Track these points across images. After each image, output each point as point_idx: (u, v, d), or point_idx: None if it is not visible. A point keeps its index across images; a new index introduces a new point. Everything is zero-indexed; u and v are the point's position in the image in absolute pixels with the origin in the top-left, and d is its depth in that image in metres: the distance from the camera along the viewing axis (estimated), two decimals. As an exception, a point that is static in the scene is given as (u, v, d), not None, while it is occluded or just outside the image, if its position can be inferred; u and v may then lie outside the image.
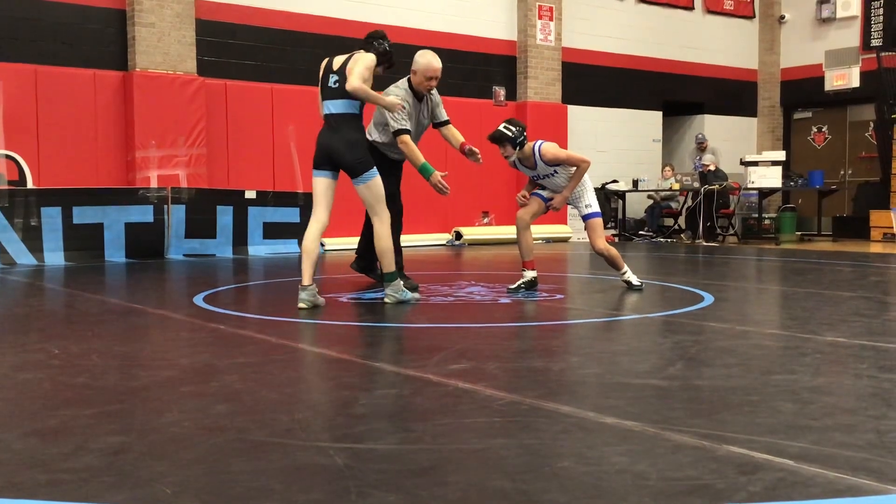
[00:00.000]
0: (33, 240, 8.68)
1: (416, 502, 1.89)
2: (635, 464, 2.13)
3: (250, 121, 10.52)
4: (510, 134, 5.97)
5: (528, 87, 13.06)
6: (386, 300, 5.33)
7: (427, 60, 5.91)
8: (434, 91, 6.12)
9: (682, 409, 2.71)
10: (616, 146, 14.37)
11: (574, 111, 13.65)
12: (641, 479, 2.02)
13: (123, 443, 2.37)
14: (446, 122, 6.23)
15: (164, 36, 9.76)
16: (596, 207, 6.20)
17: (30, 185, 9.04)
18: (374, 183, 5.29)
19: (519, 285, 6.04)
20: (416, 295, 5.55)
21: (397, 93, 5.92)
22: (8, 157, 8.99)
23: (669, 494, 1.92)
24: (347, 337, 4.38)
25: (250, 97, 10.50)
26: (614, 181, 14.14)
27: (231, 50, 10.52)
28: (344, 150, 5.21)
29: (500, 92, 12.98)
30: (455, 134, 6.15)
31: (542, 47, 13.15)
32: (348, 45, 11.44)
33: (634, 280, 6.14)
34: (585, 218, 6.18)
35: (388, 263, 5.29)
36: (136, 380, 3.34)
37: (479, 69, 12.77)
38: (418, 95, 6.02)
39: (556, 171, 6.10)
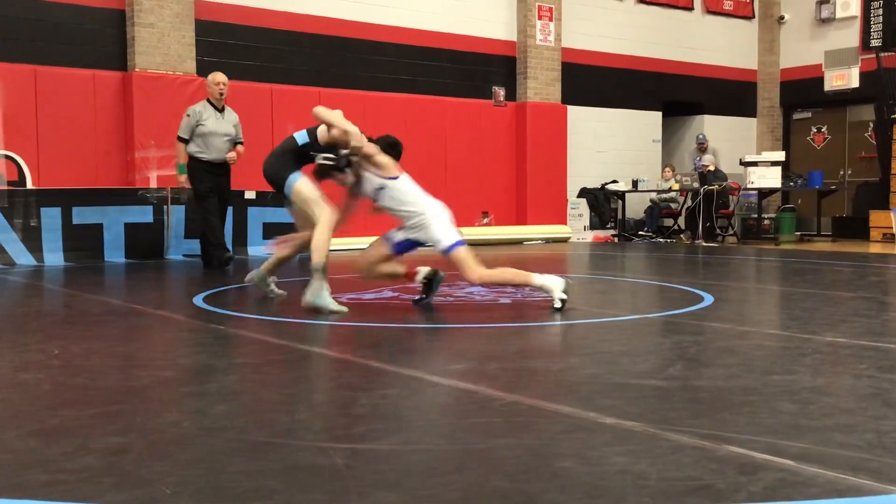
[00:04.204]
0: (33, 240, 8.67)
1: (416, 502, 1.89)
2: (635, 464, 2.13)
3: (250, 121, 10.48)
4: (330, 163, 5.04)
5: (528, 87, 13.05)
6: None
7: (211, 76, 8.16)
8: (231, 110, 8.21)
9: (682, 410, 2.71)
10: (616, 146, 14.37)
11: (574, 111, 13.65)
12: (641, 480, 2.02)
13: (123, 443, 2.37)
14: (239, 143, 8.23)
15: (163, 36, 9.75)
16: (451, 239, 5.01)
17: (29, 185, 9.03)
18: (295, 190, 5.24)
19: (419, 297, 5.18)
20: (334, 308, 4.94)
21: (191, 111, 7.97)
22: (7, 157, 8.99)
23: (669, 494, 1.92)
24: (347, 337, 4.38)
25: (250, 97, 10.48)
26: (614, 181, 14.14)
27: (231, 50, 10.52)
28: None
29: (500, 92, 12.98)
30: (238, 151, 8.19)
31: (541, 48, 13.15)
32: (347, 45, 11.51)
33: (557, 292, 4.91)
34: (445, 253, 5.02)
35: (315, 257, 5.09)
36: (136, 380, 3.34)
37: (478, 69, 12.77)
38: (219, 108, 8.07)
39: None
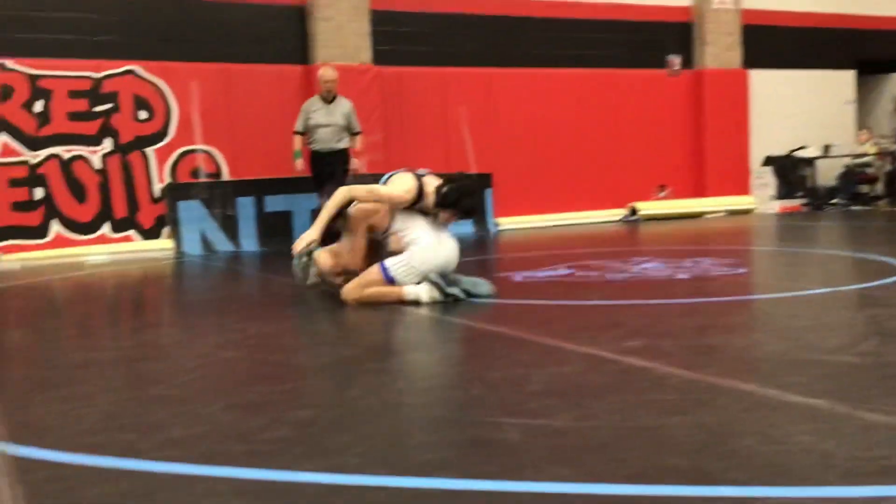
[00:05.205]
0: (230, 228, 9.32)
1: (590, 477, 1.90)
2: (821, 443, 2.04)
3: (423, 105, 10.75)
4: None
5: (706, 53, 12.53)
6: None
7: (320, 72, 8.84)
8: (345, 101, 8.73)
9: (875, 387, 2.55)
10: (804, 110, 13.53)
11: (756, 76, 12.98)
12: (827, 459, 1.93)
13: (312, 416, 2.52)
14: (356, 133, 8.77)
15: (341, 29, 10.14)
16: (393, 268, 4.71)
17: (225, 177, 9.69)
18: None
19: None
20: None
21: (304, 106, 8.77)
22: (206, 151, 9.67)
23: (858, 475, 1.82)
24: (521, 315, 4.42)
25: (423, 82, 10.72)
26: (802, 147, 13.36)
27: (404, 37, 10.79)
28: None
29: (675, 61, 12.55)
30: (355, 143, 8.79)
31: (720, 11, 12.58)
32: (517, 23, 11.50)
33: (424, 297, 4.67)
34: (383, 268, 4.77)
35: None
36: (324, 357, 3.54)
37: (651, 38, 12.39)
38: (327, 101, 8.66)
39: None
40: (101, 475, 2.07)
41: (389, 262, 4.73)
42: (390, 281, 4.71)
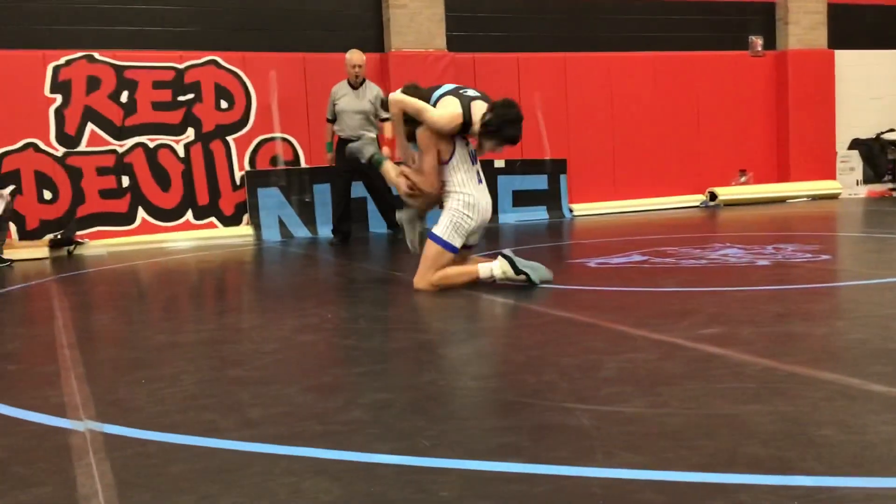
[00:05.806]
0: (307, 214, 9.48)
1: (661, 464, 1.89)
2: (905, 434, 1.98)
3: (498, 91, 10.62)
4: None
5: (789, 33, 12.15)
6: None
7: (347, 56, 8.54)
8: (373, 87, 8.56)
9: (964, 378, 2.46)
10: (892, 91, 13.02)
11: (842, 56, 12.53)
12: (911, 451, 1.88)
13: (387, 399, 2.57)
14: (384, 120, 8.34)
15: (415, 15, 10.17)
16: (439, 230, 4.78)
17: (303, 164, 9.85)
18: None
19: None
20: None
21: (332, 91, 8.57)
22: (284, 139, 9.85)
23: (943, 468, 1.77)
24: (595, 301, 4.39)
25: (497, 68, 10.68)
26: (891, 130, 12.86)
27: (477, 23, 10.76)
28: None
29: (758, 41, 12.20)
30: (385, 129, 8.43)
31: (803, -11, 12.18)
32: (591, 6, 11.35)
33: (497, 271, 4.68)
34: (429, 235, 4.86)
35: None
36: (398, 342, 3.59)
37: (732, 19, 12.07)
38: (354, 86, 8.46)
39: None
40: (183, 453, 2.15)
41: (438, 231, 4.76)
42: (447, 247, 4.74)
